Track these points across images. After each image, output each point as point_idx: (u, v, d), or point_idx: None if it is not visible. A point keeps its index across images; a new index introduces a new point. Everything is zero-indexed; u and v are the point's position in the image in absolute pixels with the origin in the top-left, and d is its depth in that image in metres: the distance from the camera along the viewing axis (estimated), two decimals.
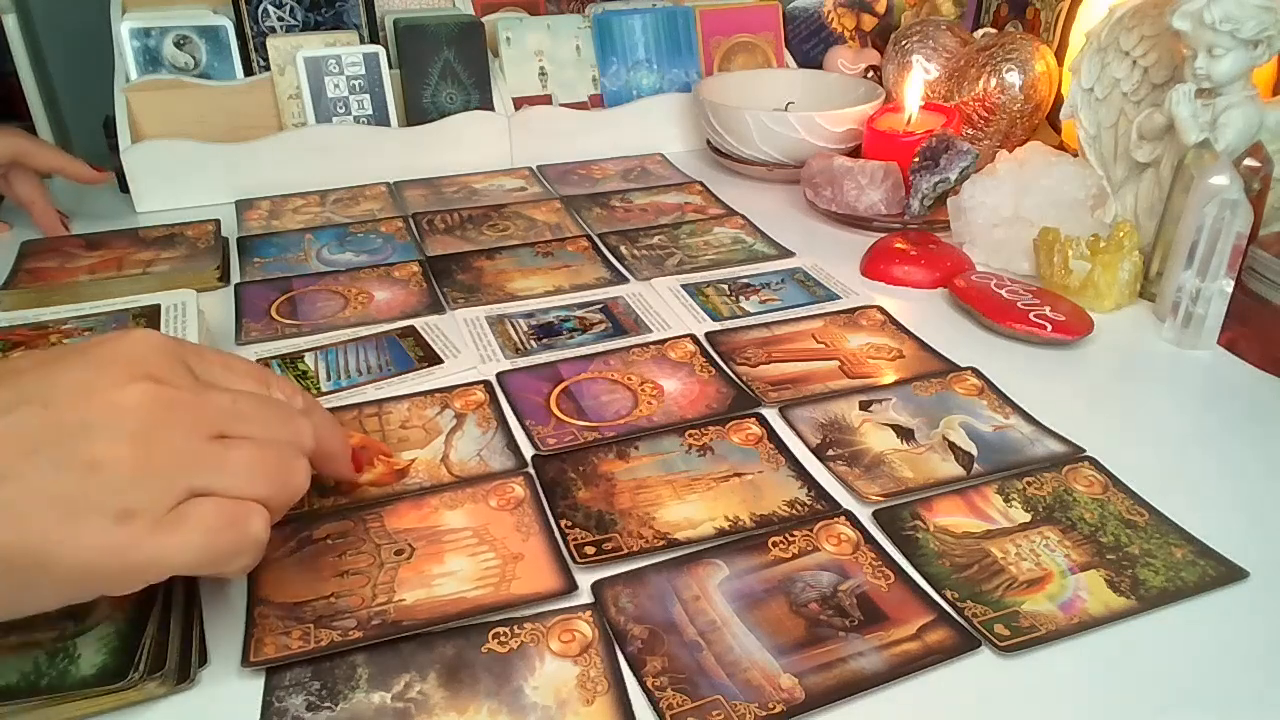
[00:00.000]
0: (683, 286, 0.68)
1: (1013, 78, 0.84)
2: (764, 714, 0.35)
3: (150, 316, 0.54)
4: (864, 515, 0.45)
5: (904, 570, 0.42)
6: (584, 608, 0.40)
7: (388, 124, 0.89)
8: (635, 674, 0.36)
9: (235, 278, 0.70)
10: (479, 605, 0.39)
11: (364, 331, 0.62)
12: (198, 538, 0.33)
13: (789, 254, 0.74)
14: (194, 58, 0.87)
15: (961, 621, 0.39)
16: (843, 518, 0.45)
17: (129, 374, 0.33)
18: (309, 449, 0.38)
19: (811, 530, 0.44)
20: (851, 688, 0.36)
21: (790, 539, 0.43)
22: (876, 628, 0.39)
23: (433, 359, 0.59)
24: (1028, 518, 0.45)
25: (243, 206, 0.82)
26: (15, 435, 0.31)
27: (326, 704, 0.35)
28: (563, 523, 0.44)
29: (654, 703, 0.35)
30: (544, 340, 0.61)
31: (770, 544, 0.43)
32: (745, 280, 0.69)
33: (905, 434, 0.52)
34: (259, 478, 0.35)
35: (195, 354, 0.36)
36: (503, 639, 0.38)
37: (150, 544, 0.32)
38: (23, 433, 0.31)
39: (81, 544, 0.31)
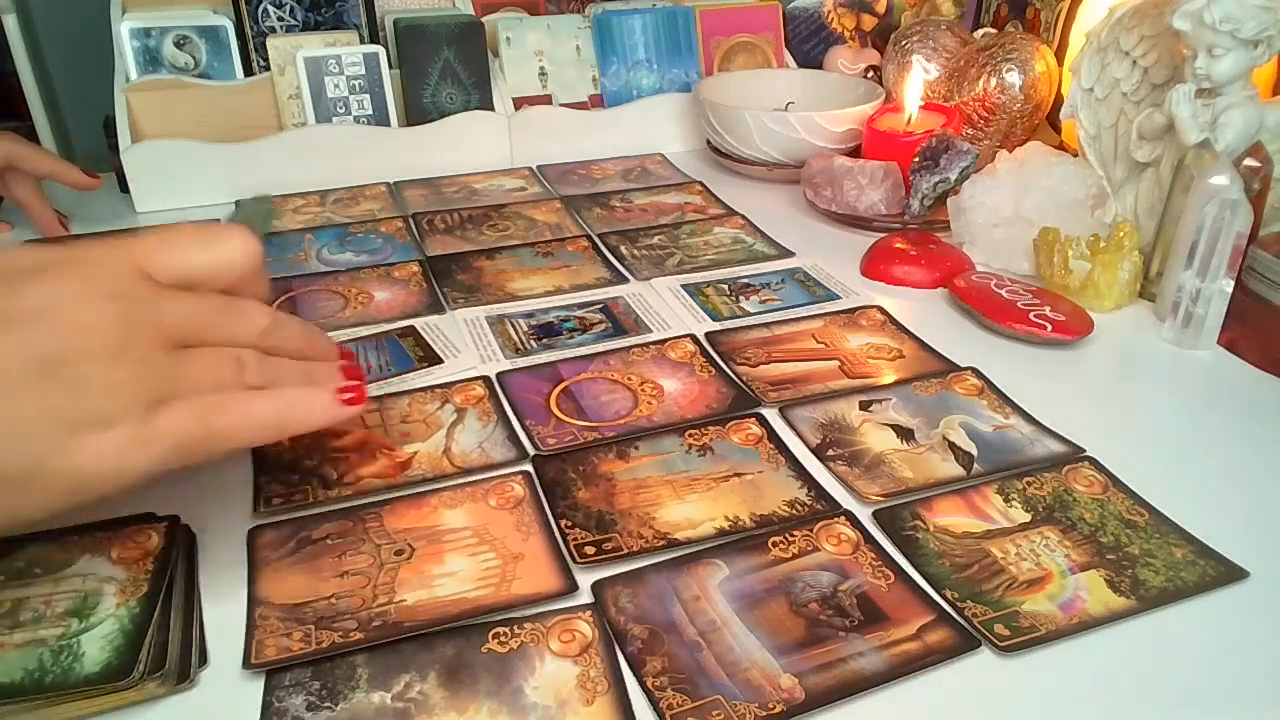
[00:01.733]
0: (683, 286, 0.68)
1: (1013, 78, 0.84)
2: (764, 714, 0.35)
3: None
4: (864, 515, 0.45)
5: (904, 570, 0.42)
6: (584, 608, 0.40)
7: (388, 124, 0.89)
8: (635, 674, 0.36)
9: None
10: (480, 605, 0.40)
11: (364, 331, 0.62)
12: (175, 436, 0.35)
13: (789, 254, 0.74)
14: (194, 58, 0.87)
15: (961, 621, 0.39)
16: (843, 518, 0.45)
17: (89, 291, 0.34)
18: (264, 343, 0.39)
19: (811, 530, 0.44)
20: (851, 688, 0.36)
21: (790, 539, 0.43)
22: (876, 628, 0.39)
23: (433, 359, 0.59)
24: (1028, 518, 0.45)
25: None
26: None
27: (326, 704, 0.35)
28: (563, 523, 0.44)
29: (654, 703, 0.35)
30: (544, 340, 0.61)
31: (770, 544, 0.43)
32: (745, 280, 0.69)
33: (905, 434, 0.52)
34: (217, 380, 0.37)
35: (150, 256, 0.37)
36: (503, 639, 0.38)
37: (135, 447, 0.34)
38: (2, 353, 0.32)
39: (76, 457, 0.33)
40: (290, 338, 0.41)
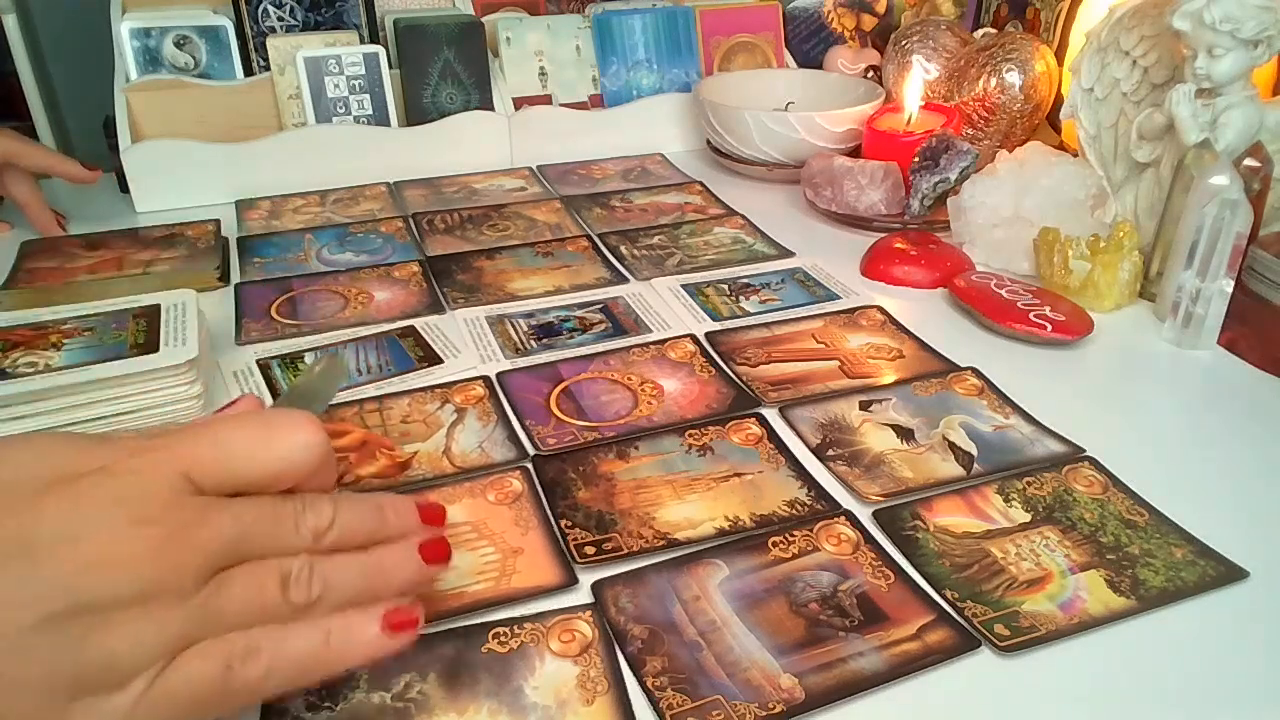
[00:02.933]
0: (683, 286, 0.68)
1: (1013, 78, 0.84)
2: (764, 714, 0.35)
3: (150, 317, 0.54)
4: (864, 515, 0.45)
5: (904, 570, 0.42)
6: (584, 608, 0.40)
7: (388, 124, 0.89)
8: (635, 674, 0.36)
9: (235, 278, 0.70)
10: (479, 600, 0.40)
11: (364, 331, 0.62)
12: (191, 697, 0.30)
13: (789, 254, 0.74)
14: (194, 58, 0.87)
15: (961, 621, 0.39)
16: (843, 518, 0.45)
17: (121, 516, 0.29)
18: (322, 545, 0.34)
19: (811, 530, 0.44)
20: (851, 688, 0.36)
21: (790, 539, 0.43)
22: (876, 628, 0.39)
23: (433, 359, 0.59)
24: (1028, 518, 0.45)
25: (243, 206, 0.82)
26: (5, 602, 0.27)
27: (326, 704, 0.35)
28: (563, 523, 0.44)
29: (654, 703, 0.35)
30: (544, 340, 0.61)
31: (770, 544, 0.43)
32: (745, 280, 0.69)
33: (905, 434, 0.52)
34: (259, 609, 0.31)
35: (200, 461, 0.32)
36: (503, 639, 0.38)
37: (139, 712, 0.29)
38: (11, 597, 0.27)
39: None
40: (355, 530, 0.35)
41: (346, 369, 0.44)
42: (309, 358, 0.58)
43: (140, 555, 0.29)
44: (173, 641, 0.29)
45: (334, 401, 0.53)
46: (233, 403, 0.39)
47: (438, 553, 0.36)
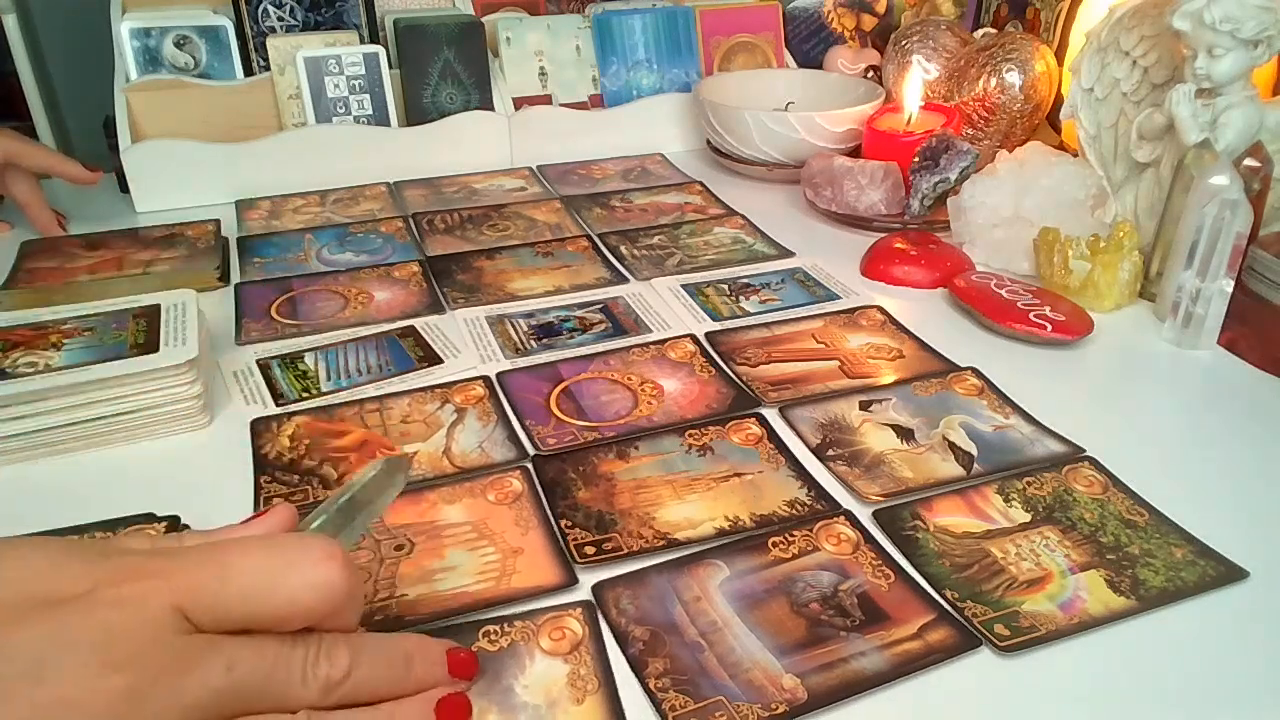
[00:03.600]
0: (683, 286, 0.68)
1: (1013, 78, 0.84)
2: (767, 714, 0.35)
3: (150, 317, 0.54)
4: (864, 515, 0.45)
5: (904, 569, 0.42)
6: (575, 605, 0.40)
7: (388, 124, 0.89)
8: (637, 675, 0.36)
9: (235, 277, 0.70)
10: (480, 599, 0.40)
11: (364, 331, 0.62)
12: None
13: (789, 254, 0.74)
14: (194, 58, 0.87)
15: (962, 620, 0.39)
16: (842, 518, 0.45)
17: (97, 654, 0.26)
18: (331, 698, 0.30)
19: (811, 530, 0.44)
20: (854, 687, 0.36)
21: (790, 539, 0.43)
22: (877, 627, 0.39)
23: (433, 359, 0.59)
24: (1028, 518, 0.45)
25: (243, 206, 0.82)
26: None
27: None
28: (563, 523, 0.44)
29: (656, 704, 0.35)
30: (544, 340, 0.61)
31: (770, 544, 0.43)
32: (745, 280, 0.69)
33: (905, 434, 0.52)
34: None
35: (199, 593, 0.28)
36: (493, 637, 0.38)
37: None
38: None
39: None
40: (375, 678, 0.31)
41: (408, 471, 0.38)
42: (309, 358, 0.58)
43: (108, 706, 0.25)
44: None
45: (337, 401, 0.53)
46: (263, 513, 0.34)
47: (458, 715, 0.32)
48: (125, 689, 0.26)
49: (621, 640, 0.38)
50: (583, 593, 0.41)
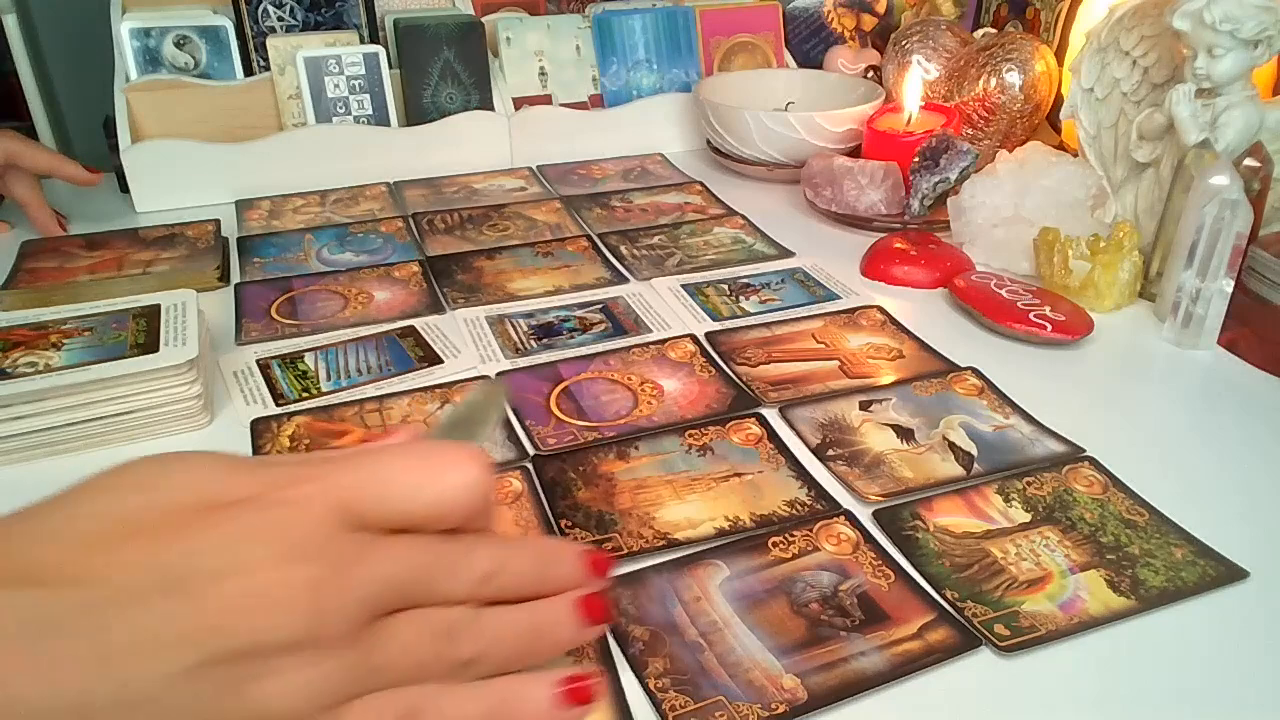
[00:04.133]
0: (683, 286, 0.68)
1: (1013, 78, 0.84)
2: (767, 714, 0.35)
3: (150, 317, 0.54)
4: (864, 515, 0.45)
5: (904, 569, 0.42)
6: None
7: (388, 124, 0.89)
8: (637, 675, 0.36)
9: (235, 278, 0.70)
10: None
11: (364, 331, 0.62)
12: None
13: (789, 254, 0.74)
14: (194, 58, 0.87)
15: (962, 620, 0.39)
16: (842, 517, 0.45)
17: (280, 550, 0.27)
18: (484, 591, 0.31)
19: (811, 530, 0.44)
20: (854, 687, 0.36)
21: (790, 539, 0.43)
22: (878, 627, 0.39)
23: (433, 359, 0.59)
24: (1028, 518, 0.45)
25: (243, 206, 0.82)
26: (156, 642, 0.25)
27: None
28: (563, 523, 0.44)
29: (656, 704, 0.35)
30: (544, 340, 0.61)
31: (770, 544, 0.43)
32: (745, 280, 0.70)
33: (905, 434, 0.52)
34: (417, 664, 0.29)
35: (361, 494, 0.30)
36: None
37: None
38: (164, 637, 0.25)
39: None
40: (521, 575, 0.32)
41: (507, 394, 0.41)
42: (309, 358, 0.58)
43: (295, 597, 0.26)
44: (331, 694, 0.27)
45: (338, 401, 0.53)
46: (392, 429, 0.35)
47: (598, 613, 0.33)
48: (309, 578, 0.27)
49: (621, 640, 0.38)
50: None
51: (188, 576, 0.26)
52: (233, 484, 0.29)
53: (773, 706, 0.35)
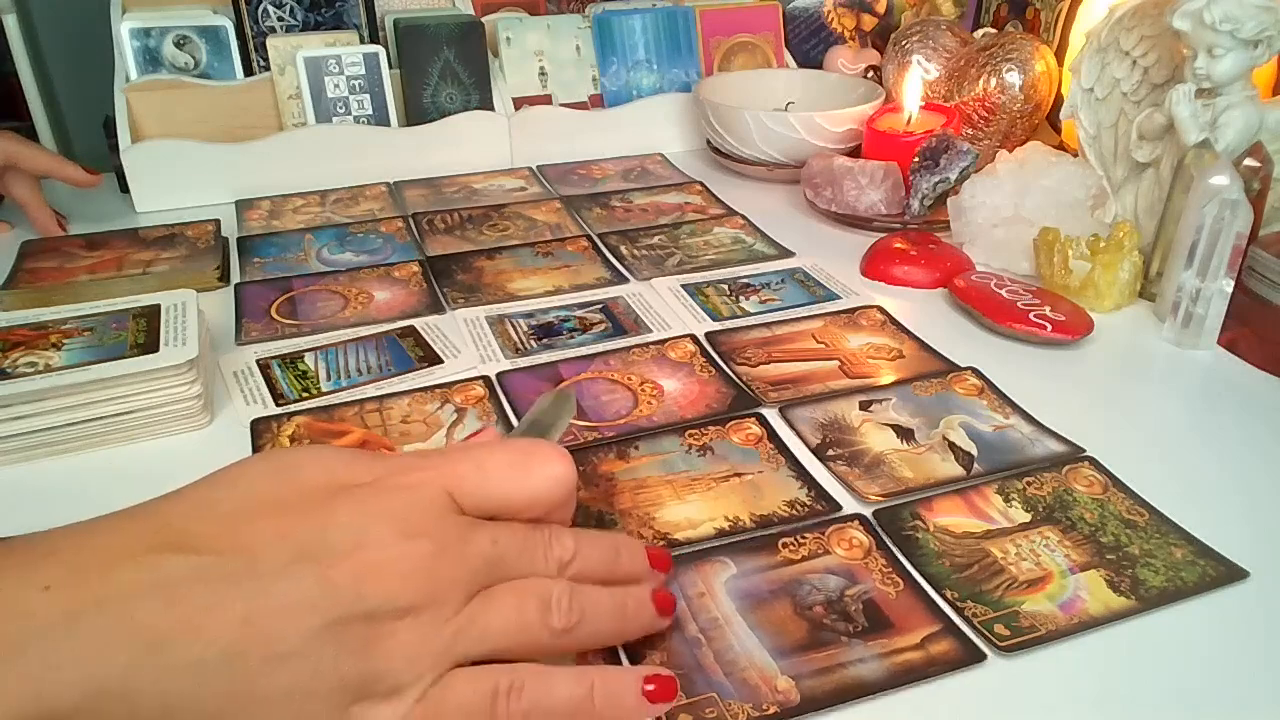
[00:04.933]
0: (683, 286, 0.68)
1: (1013, 78, 0.84)
2: (758, 715, 0.35)
3: (150, 317, 0.54)
4: (864, 515, 0.45)
5: (913, 578, 0.41)
6: None
7: (388, 124, 0.89)
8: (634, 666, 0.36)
9: (235, 278, 0.70)
10: None
11: (364, 331, 0.62)
12: (452, 715, 0.30)
13: (789, 254, 0.74)
14: (194, 58, 0.87)
15: (969, 633, 0.38)
16: (856, 521, 0.45)
17: (398, 528, 0.31)
18: (565, 575, 0.34)
19: (823, 533, 0.44)
20: (849, 693, 0.36)
21: (801, 541, 0.43)
22: (880, 635, 0.38)
23: (433, 359, 0.59)
24: (1028, 518, 0.45)
25: (243, 206, 0.82)
26: (296, 604, 0.28)
27: None
28: None
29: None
30: (544, 340, 0.61)
31: (780, 545, 0.43)
32: (745, 280, 0.70)
33: (905, 434, 0.52)
34: (520, 628, 0.32)
35: (463, 484, 0.34)
36: None
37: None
38: (304, 602, 0.28)
39: None
40: (595, 563, 0.35)
41: (574, 403, 0.47)
42: (309, 358, 0.58)
43: (415, 568, 0.30)
44: (442, 656, 0.30)
45: (338, 401, 0.53)
46: (476, 434, 0.41)
47: (668, 604, 0.37)
48: (426, 552, 0.31)
49: None
50: None
51: (322, 549, 0.29)
52: (356, 470, 0.33)
53: (764, 707, 0.35)
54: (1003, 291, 0.64)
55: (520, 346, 0.60)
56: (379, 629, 0.29)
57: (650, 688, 0.33)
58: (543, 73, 0.96)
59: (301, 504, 0.31)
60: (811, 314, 0.64)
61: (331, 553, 0.29)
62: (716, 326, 0.63)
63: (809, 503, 0.46)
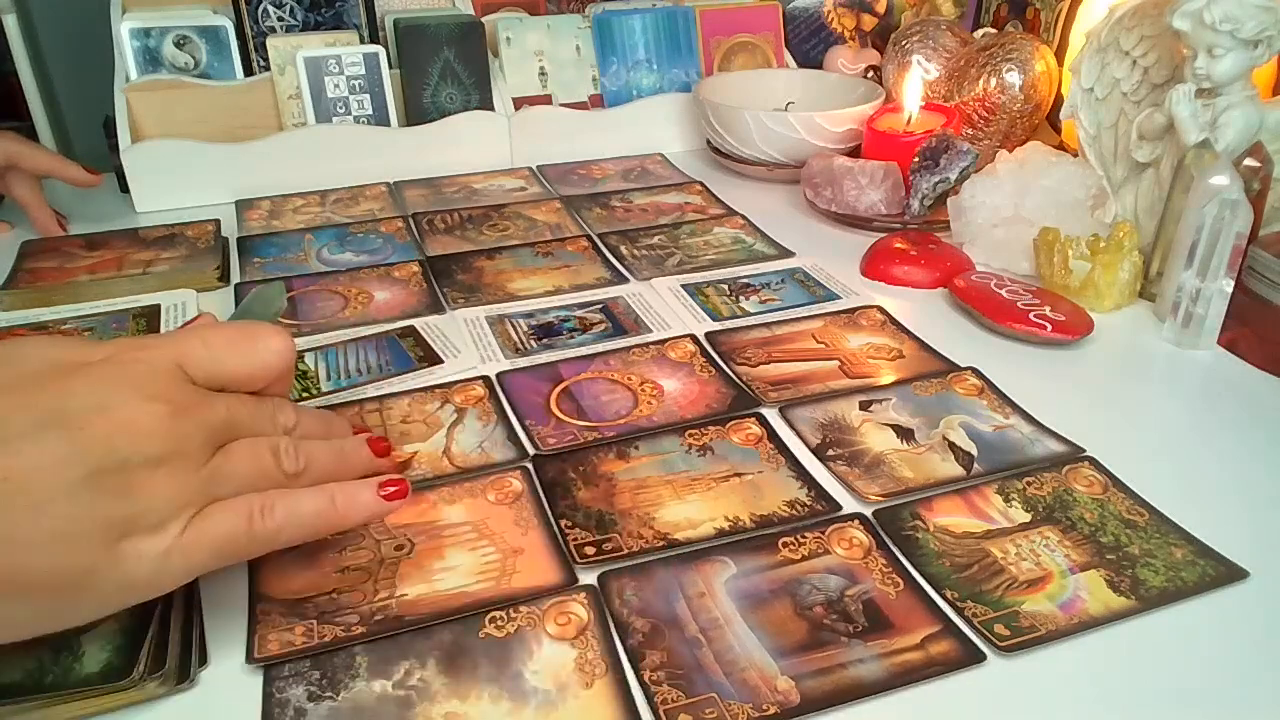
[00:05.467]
0: (683, 286, 0.68)
1: (1013, 78, 0.84)
2: (758, 715, 0.35)
3: (150, 317, 0.54)
4: (864, 515, 0.45)
5: (913, 578, 0.41)
6: (579, 589, 0.40)
7: (388, 124, 0.89)
8: (634, 666, 0.37)
9: (235, 278, 0.70)
10: (480, 600, 0.40)
11: (364, 331, 0.62)
12: (220, 540, 0.35)
13: (789, 254, 0.74)
14: (194, 58, 0.87)
15: (969, 633, 0.38)
16: (856, 521, 0.45)
17: (137, 393, 0.34)
18: (300, 429, 0.41)
19: (824, 533, 0.44)
20: (849, 694, 0.36)
21: (801, 540, 0.43)
22: (880, 635, 0.38)
23: (433, 359, 0.59)
24: (1028, 518, 0.45)
25: (243, 206, 0.82)
26: (52, 462, 0.31)
27: (328, 694, 0.35)
28: (563, 523, 0.44)
29: (649, 696, 0.35)
30: (544, 340, 0.61)
31: (780, 544, 0.43)
32: (745, 280, 0.69)
33: (905, 434, 0.52)
34: (258, 470, 0.37)
35: (191, 358, 0.37)
36: (499, 623, 0.38)
37: (180, 552, 0.34)
38: (56, 458, 0.31)
39: (124, 563, 0.33)
40: (313, 430, 0.42)
41: (283, 295, 0.52)
42: (309, 357, 0.58)
43: (159, 425, 0.34)
44: (197, 496, 0.35)
45: (337, 401, 0.54)
46: (192, 320, 0.44)
47: (381, 447, 0.44)
48: (167, 412, 0.34)
49: (622, 630, 0.38)
50: (587, 579, 0.41)
51: (65, 415, 0.32)
52: (85, 351, 0.36)
53: (764, 708, 0.35)
54: (1003, 291, 0.64)
55: (520, 346, 0.60)
56: (136, 476, 0.33)
57: (389, 490, 0.39)
58: (543, 73, 0.96)
59: (37, 381, 0.33)
60: (811, 314, 0.64)
61: (76, 416, 0.32)
62: (716, 326, 0.63)
63: (809, 503, 0.46)
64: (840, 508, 0.46)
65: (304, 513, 0.37)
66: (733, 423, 0.52)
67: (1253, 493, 0.47)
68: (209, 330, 0.39)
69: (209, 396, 0.37)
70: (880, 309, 0.65)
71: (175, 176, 0.83)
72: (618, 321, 0.63)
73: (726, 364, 0.58)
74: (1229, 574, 0.42)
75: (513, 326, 0.63)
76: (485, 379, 0.56)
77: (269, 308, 0.48)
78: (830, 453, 0.50)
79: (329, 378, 0.56)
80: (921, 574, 0.41)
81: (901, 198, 0.78)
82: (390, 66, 0.89)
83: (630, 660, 0.37)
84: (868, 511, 0.45)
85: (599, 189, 0.88)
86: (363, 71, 0.87)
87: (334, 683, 0.36)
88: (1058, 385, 0.57)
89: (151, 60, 0.86)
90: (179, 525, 0.34)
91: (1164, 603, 0.40)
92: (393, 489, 0.39)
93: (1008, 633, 0.38)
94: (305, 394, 0.55)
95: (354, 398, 0.54)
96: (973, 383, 0.56)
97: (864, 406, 0.54)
